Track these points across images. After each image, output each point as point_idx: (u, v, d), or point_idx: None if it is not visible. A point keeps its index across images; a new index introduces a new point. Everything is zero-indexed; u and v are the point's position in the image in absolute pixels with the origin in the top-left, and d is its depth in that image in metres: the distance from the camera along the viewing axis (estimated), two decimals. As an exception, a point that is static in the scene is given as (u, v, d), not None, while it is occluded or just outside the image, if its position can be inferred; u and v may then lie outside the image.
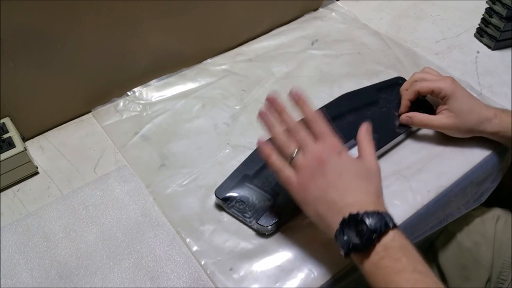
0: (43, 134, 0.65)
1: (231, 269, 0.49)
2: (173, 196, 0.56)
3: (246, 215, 0.52)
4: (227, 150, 0.61)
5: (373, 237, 0.40)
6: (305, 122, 0.47)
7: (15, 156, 0.56)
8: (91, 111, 0.69)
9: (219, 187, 0.54)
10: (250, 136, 0.63)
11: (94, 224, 0.53)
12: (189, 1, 0.68)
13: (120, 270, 0.49)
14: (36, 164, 0.60)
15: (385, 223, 0.40)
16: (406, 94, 0.61)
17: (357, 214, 0.41)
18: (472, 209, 0.64)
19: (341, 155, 0.45)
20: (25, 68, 0.58)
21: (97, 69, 0.65)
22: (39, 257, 0.50)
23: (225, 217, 0.53)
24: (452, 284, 0.69)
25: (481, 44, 0.78)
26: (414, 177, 0.57)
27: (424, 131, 0.62)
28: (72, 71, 0.63)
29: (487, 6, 0.76)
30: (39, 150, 0.63)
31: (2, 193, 0.58)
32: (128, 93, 0.70)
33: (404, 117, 0.60)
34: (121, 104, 0.69)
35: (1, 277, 0.48)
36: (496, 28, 0.74)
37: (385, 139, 0.59)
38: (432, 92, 0.58)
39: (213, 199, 0.55)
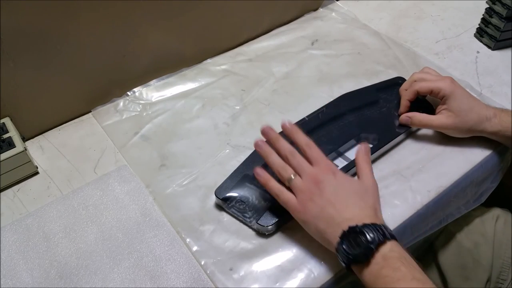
0: (43, 134, 0.65)
1: (231, 269, 0.49)
2: (173, 196, 0.56)
3: (246, 215, 0.52)
4: (227, 150, 0.61)
5: (372, 247, 0.41)
6: (300, 149, 0.50)
7: (15, 156, 0.56)
8: (91, 111, 0.69)
9: (219, 187, 0.54)
10: (250, 136, 0.63)
11: (94, 224, 0.53)
12: (189, 1, 0.68)
13: (120, 270, 0.49)
14: (36, 164, 0.60)
15: (383, 234, 0.42)
16: (406, 94, 0.61)
17: (356, 226, 0.43)
18: (472, 209, 0.64)
19: (336, 175, 0.48)
20: (25, 68, 0.58)
21: (97, 69, 0.65)
22: (39, 257, 0.50)
23: (225, 217, 0.53)
24: (452, 284, 0.69)
25: (481, 44, 0.78)
26: (414, 177, 0.57)
27: (424, 131, 0.62)
28: (72, 71, 0.63)
29: (487, 6, 0.76)
30: (39, 150, 0.63)
31: (2, 193, 0.58)
32: (128, 93, 0.70)
33: (404, 117, 0.60)
34: (121, 104, 0.69)
35: (1, 277, 0.48)
36: (496, 28, 0.74)
37: (385, 139, 0.59)
38: (431, 92, 0.58)
39: (213, 199, 0.55)
